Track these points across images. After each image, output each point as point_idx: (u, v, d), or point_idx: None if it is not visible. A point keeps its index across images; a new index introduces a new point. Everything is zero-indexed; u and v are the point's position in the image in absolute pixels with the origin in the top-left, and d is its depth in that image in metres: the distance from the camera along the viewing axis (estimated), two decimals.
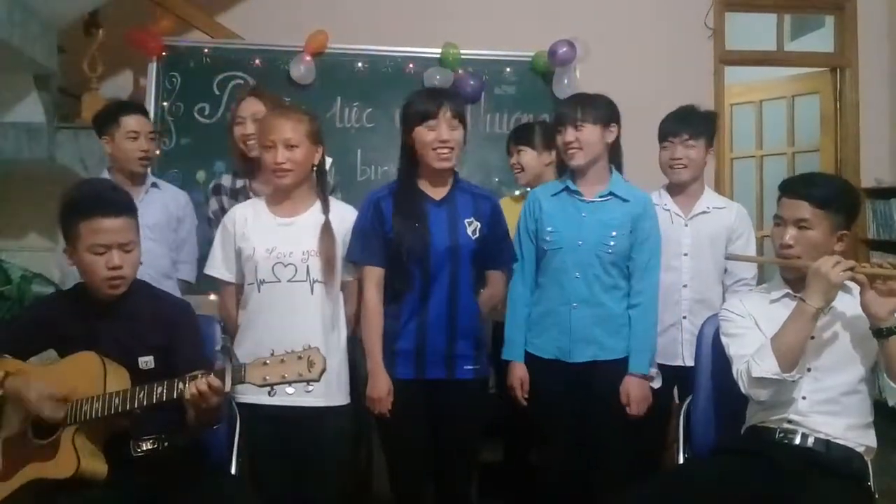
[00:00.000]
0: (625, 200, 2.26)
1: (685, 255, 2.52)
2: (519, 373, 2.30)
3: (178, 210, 2.86)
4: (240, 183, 2.57)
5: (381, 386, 2.08)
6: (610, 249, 2.22)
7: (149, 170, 2.83)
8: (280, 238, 2.10)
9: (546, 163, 2.77)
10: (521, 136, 2.87)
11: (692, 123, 2.53)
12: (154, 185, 2.81)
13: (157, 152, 2.83)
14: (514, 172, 2.90)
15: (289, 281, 2.08)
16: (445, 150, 2.08)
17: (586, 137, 2.23)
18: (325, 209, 2.15)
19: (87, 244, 1.78)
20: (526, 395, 2.30)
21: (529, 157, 2.81)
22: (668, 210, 2.54)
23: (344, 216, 2.18)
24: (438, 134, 2.06)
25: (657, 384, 2.34)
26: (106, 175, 2.76)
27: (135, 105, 2.89)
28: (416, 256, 2.08)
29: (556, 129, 2.30)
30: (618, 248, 2.23)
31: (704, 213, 2.55)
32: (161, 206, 2.78)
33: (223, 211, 2.47)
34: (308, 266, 2.09)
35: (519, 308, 2.32)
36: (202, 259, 2.39)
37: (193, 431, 1.85)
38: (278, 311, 2.08)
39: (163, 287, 2.54)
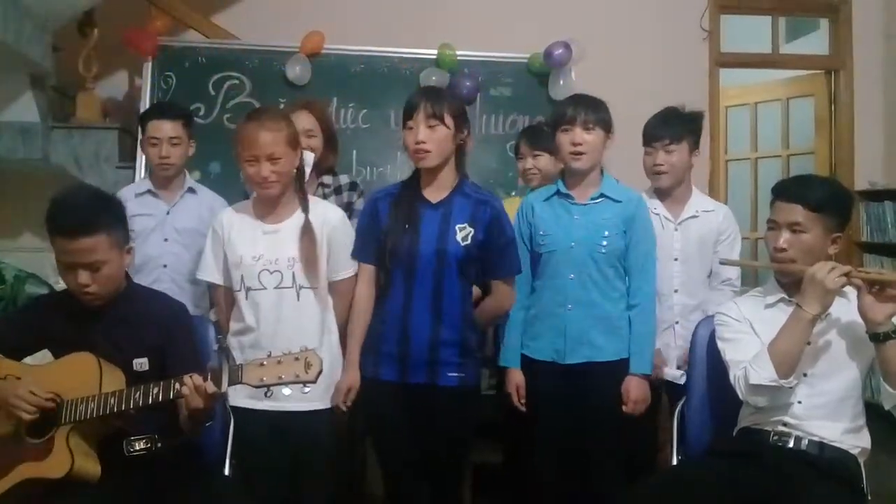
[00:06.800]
0: (616, 201, 2.26)
1: (675, 259, 2.52)
2: (515, 379, 2.30)
3: (213, 218, 2.77)
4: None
5: (346, 380, 2.10)
6: (603, 250, 2.22)
7: (186, 174, 2.73)
8: (266, 245, 2.10)
9: (560, 167, 2.60)
10: (538, 140, 2.74)
11: (673, 126, 2.51)
12: (191, 189, 2.72)
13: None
14: (529, 176, 2.77)
15: (275, 288, 2.07)
16: (420, 152, 2.06)
17: (593, 141, 2.23)
18: (305, 209, 2.13)
19: (57, 259, 1.77)
20: (523, 401, 2.30)
21: (546, 161, 2.71)
22: (658, 214, 2.52)
23: (326, 216, 2.16)
24: (415, 135, 2.06)
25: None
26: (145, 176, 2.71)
27: (160, 109, 2.75)
28: (399, 258, 2.07)
29: (562, 127, 2.25)
30: (611, 248, 2.23)
31: (694, 216, 2.54)
32: (194, 211, 2.68)
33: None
34: (294, 272, 2.08)
35: (513, 313, 2.30)
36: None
37: (188, 430, 1.84)
38: (266, 318, 2.07)
39: (186, 293, 2.53)
